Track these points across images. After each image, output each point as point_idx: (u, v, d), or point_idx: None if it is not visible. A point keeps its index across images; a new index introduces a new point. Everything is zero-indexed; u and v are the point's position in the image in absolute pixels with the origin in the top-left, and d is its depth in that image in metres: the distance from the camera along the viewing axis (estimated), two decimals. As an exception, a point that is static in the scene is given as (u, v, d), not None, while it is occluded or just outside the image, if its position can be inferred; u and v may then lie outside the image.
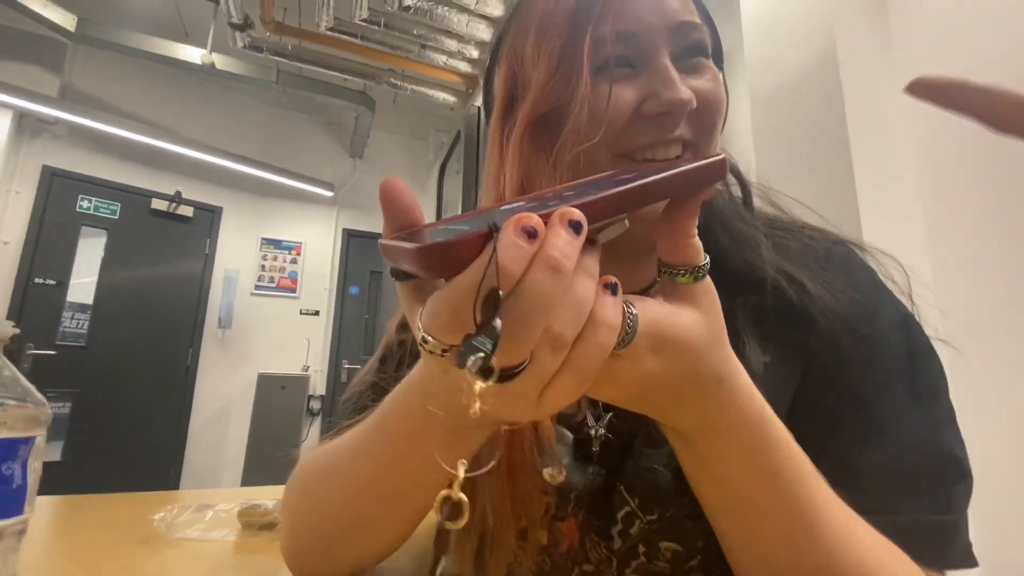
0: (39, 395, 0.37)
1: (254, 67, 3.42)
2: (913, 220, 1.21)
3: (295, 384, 4.06)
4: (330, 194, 4.30)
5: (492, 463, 0.27)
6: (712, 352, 0.26)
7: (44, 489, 0.52)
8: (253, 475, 3.67)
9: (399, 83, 3.42)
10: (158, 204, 3.79)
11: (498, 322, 0.18)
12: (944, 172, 1.20)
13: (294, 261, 4.37)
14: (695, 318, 0.25)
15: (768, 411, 0.28)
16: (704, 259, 0.26)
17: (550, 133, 0.38)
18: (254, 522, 0.66)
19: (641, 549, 0.37)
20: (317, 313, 4.37)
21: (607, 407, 0.40)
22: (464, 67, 3.20)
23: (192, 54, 3.26)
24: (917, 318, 0.40)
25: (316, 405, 4.17)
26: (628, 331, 0.23)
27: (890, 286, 0.41)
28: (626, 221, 0.23)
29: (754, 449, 0.28)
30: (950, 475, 0.35)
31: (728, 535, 0.32)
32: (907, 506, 0.33)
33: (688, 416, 0.27)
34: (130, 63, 3.53)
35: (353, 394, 0.49)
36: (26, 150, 3.35)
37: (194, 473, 3.74)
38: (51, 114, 3.17)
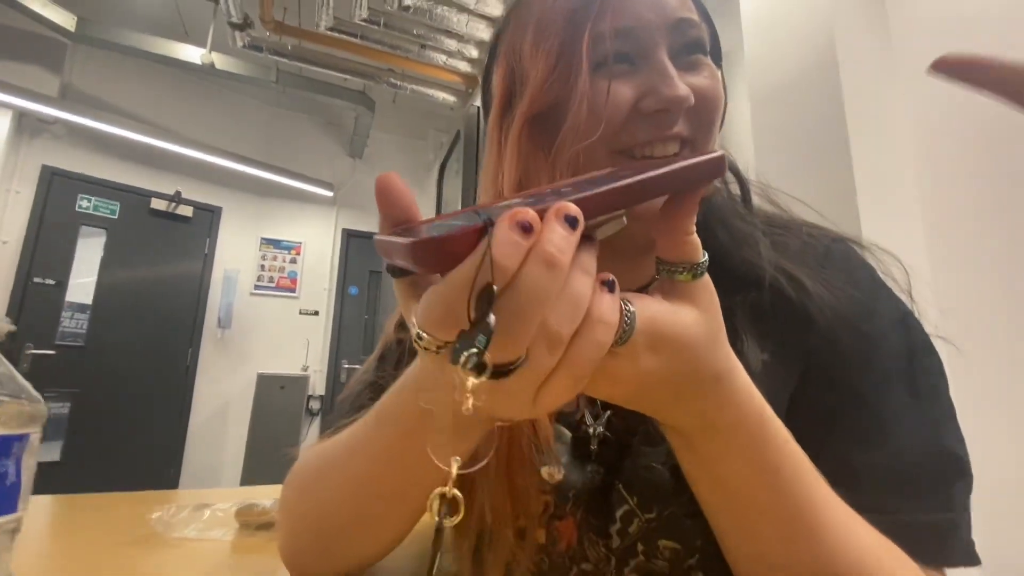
0: (34, 392, 0.36)
1: (254, 67, 3.42)
2: (913, 220, 1.21)
3: (294, 384, 4.05)
4: (330, 194, 4.30)
5: (486, 460, 0.26)
6: (711, 350, 0.25)
7: (43, 489, 0.52)
8: (252, 475, 3.67)
9: (399, 83, 3.42)
10: (157, 204, 3.79)
11: (492, 318, 0.18)
12: (944, 172, 1.20)
13: (293, 261, 4.37)
14: (694, 316, 0.25)
15: (767, 410, 0.28)
16: (703, 256, 0.25)
17: (548, 130, 0.37)
18: (252, 522, 0.66)
19: (640, 548, 0.37)
20: (317, 313, 4.37)
21: (605, 405, 0.40)
22: (464, 67, 3.19)
23: (192, 54, 3.26)
24: (916, 315, 0.40)
25: (315, 405, 4.17)
26: (626, 328, 0.22)
27: (889, 283, 0.41)
28: (624, 218, 0.23)
29: (753, 448, 0.28)
30: (950, 473, 0.34)
31: (727, 534, 0.32)
32: (907, 505, 0.33)
33: (687, 414, 0.27)
34: (130, 63, 3.52)
35: (351, 393, 0.49)
36: (26, 150, 3.35)
37: (193, 473, 3.74)
38: (51, 114, 3.17)
